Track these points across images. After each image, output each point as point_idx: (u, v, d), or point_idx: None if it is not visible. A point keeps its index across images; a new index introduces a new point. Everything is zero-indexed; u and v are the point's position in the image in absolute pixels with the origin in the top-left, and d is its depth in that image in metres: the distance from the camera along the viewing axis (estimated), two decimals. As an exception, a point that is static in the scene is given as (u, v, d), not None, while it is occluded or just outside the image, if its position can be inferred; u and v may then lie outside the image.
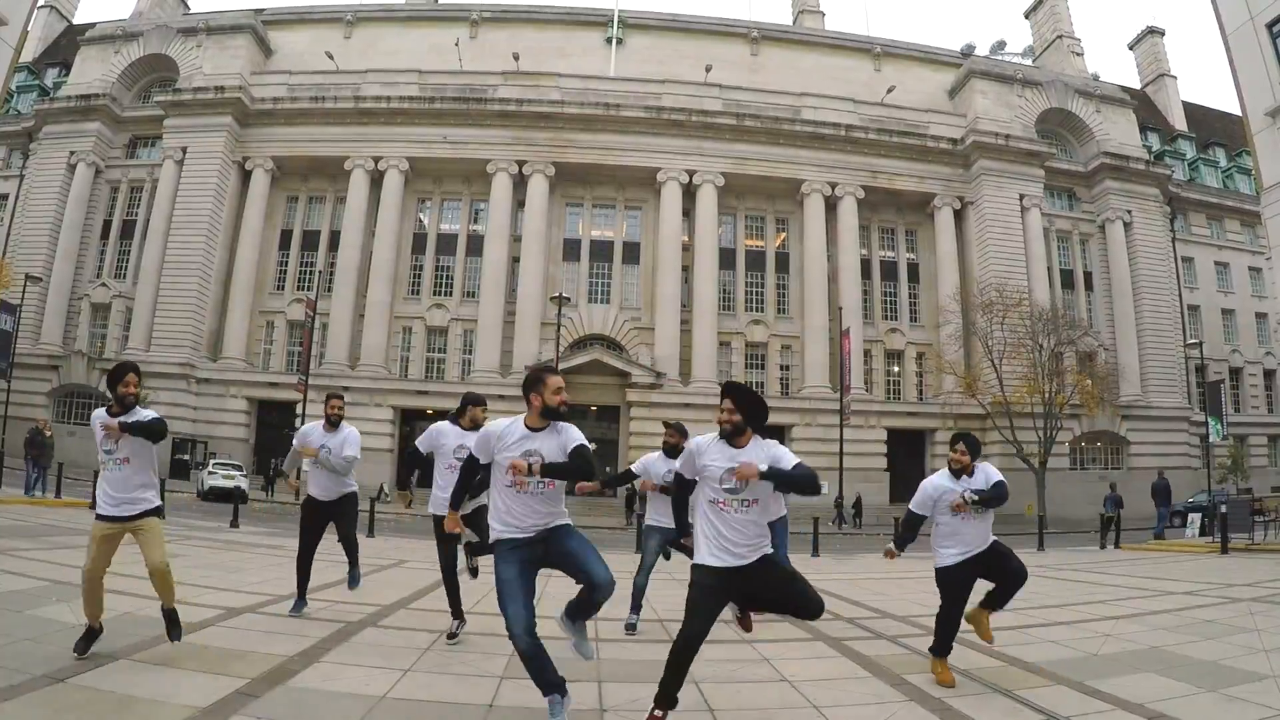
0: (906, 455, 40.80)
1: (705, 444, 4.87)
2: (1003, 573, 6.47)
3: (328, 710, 4.71)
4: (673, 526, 6.91)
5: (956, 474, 6.42)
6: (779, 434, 40.20)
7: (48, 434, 21.89)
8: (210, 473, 30.32)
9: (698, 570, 4.73)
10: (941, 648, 6.33)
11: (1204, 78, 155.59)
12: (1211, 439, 30.68)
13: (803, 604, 4.84)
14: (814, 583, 13.13)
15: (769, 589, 4.83)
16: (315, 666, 5.71)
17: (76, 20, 58.99)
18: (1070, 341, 39.05)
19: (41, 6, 55.70)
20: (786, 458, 4.75)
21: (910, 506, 6.56)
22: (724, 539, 4.67)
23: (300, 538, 7.92)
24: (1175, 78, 61.84)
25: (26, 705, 4.43)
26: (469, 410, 7.31)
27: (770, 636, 7.93)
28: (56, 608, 6.86)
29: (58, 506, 19.37)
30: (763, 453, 4.72)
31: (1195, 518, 26.73)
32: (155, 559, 5.55)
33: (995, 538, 6.50)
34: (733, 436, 4.78)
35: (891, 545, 6.86)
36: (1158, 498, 27.74)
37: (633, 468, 8.05)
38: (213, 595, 8.13)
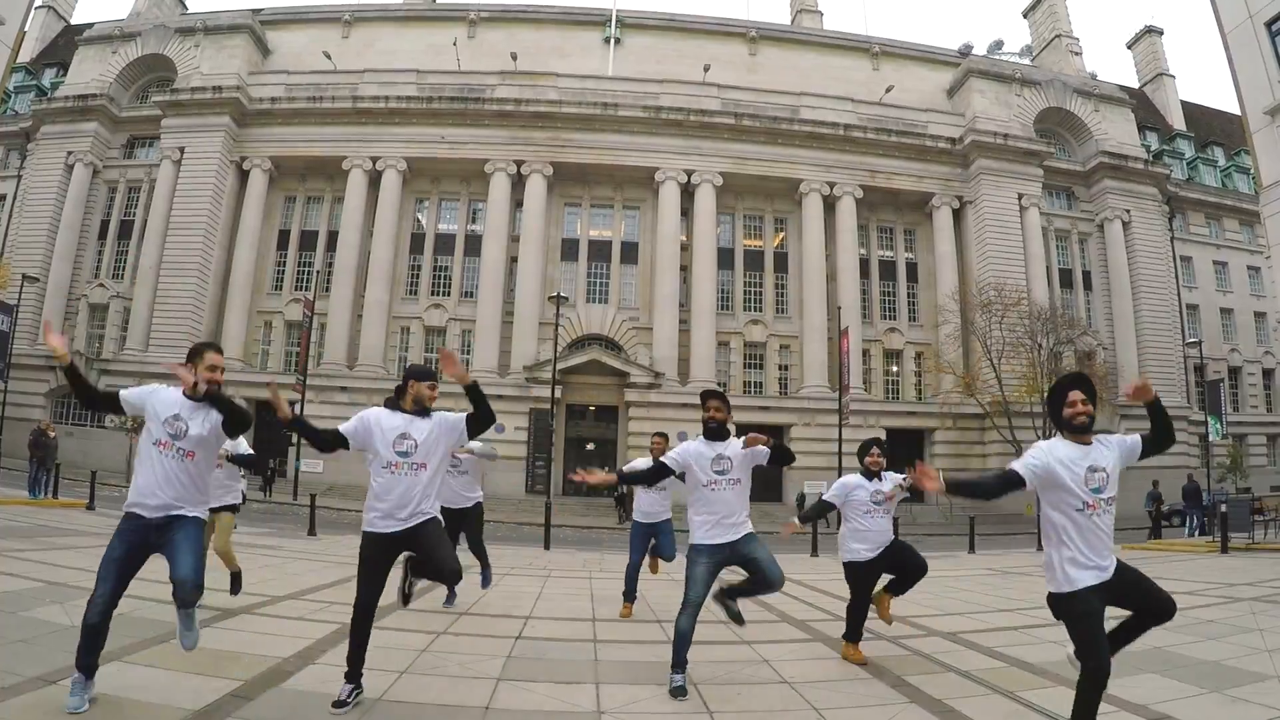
0: (905, 455, 39.65)
1: (1058, 447, 4.40)
2: (904, 566, 7.10)
3: (322, 713, 4.65)
4: (722, 543, 5.80)
5: (869, 476, 7.12)
6: (778, 433, 40.05)
7: (51, 434, 21.84)
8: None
9: (1081, 600, 4.28)
10: (853, 634, 6.97)
11: (1203, 77, 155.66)
12: (1211, 438, 30.56)
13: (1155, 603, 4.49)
14: (812, 582, 13.05)
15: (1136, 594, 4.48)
16: (310, 668, 5.65)
17: (74, 20, 58.61)
18: (1069, 340, 38.79)
19: (39, 6, 55.03)
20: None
21: (824, 496, 7.27)
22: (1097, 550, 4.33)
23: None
24: (1174, 77, 61.75)
25: (19, 708, 4.37)
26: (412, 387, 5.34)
27: (769, 638, 7.88)
28: (50, 609, 6.80)
29: (55, 507, 19.29)
30: (1115, 448, 4.51)
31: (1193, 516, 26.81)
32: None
33: (897, 536, 7.31)
34: (1089, 430, 4.45)
35: (795, 520, 7.57)
36: (1189, 500, 27.98)
37: (672, 459, 6.05)
38: (206, 596, 8.06)
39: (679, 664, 5.60)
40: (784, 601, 10.26)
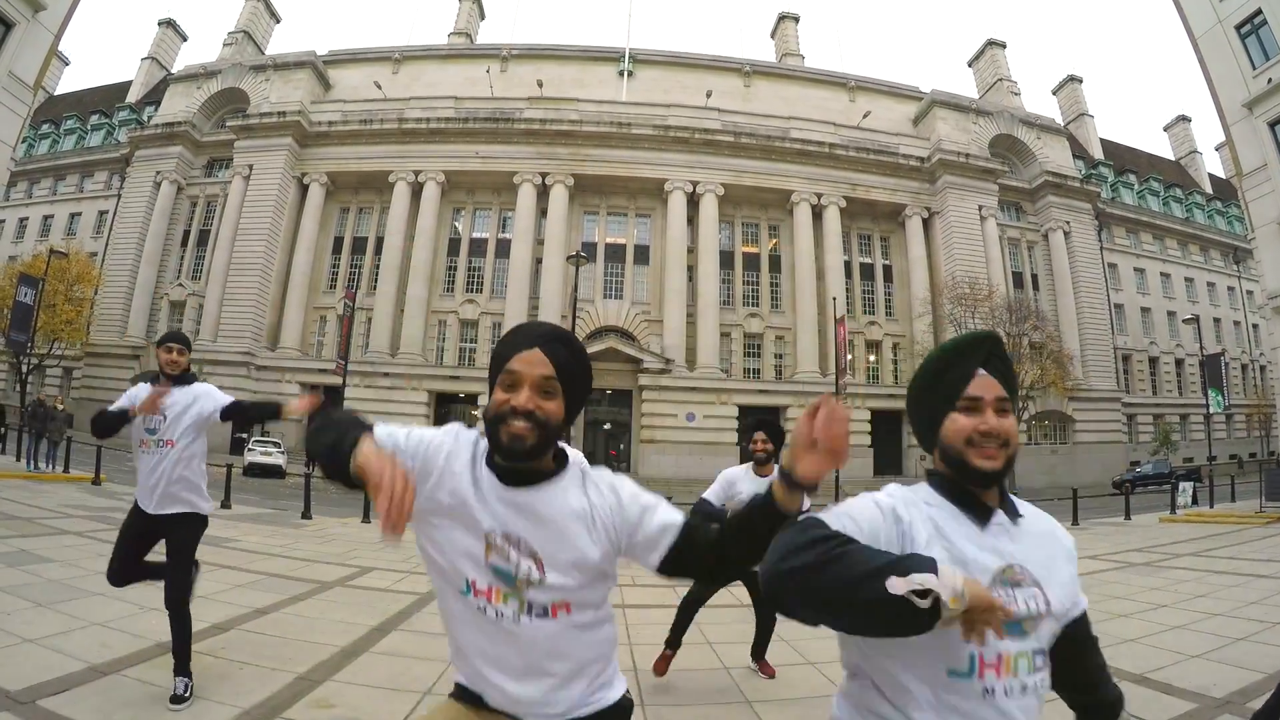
0: (886, 433, 35.66)
1: (739, 474, 4.25)
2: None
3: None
4: None
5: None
6: (775, 414, 34.97)
7: (59, 407, 16.54)
8: (250, 449, 25.24)
9: None
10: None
11: (1115, 117, 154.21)
12: (1212, 410, 25.19)
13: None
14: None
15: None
16: None
17: (174, 69, 54.00)
18: (1036, 328, 33.74)
19: (145, 58, 52.55)
20: None
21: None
22: None
23: None
24: (1093, 116, 56.72)
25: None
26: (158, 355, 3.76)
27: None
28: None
29: (59, 481, 14.11)
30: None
31: (1187, 486, 21.57)
32: None
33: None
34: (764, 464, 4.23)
35: None
36: None
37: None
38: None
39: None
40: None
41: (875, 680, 1.25)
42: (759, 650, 4.57)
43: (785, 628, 5.69)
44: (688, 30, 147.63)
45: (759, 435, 4.23)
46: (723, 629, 5.57)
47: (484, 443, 1.49)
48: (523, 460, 1.40)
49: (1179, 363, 47.22)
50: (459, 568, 1.44)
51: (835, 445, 1.25)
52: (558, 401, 1.42)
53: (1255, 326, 46.79)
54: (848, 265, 38.93)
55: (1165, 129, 64.13)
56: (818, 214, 38.34)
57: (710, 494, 4.27)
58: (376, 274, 36.86)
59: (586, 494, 1.45)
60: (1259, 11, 21.79)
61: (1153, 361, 46.17)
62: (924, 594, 0.97)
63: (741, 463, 4.48)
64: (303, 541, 9.54)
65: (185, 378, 3.69)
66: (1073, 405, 38.25)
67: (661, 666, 4.29)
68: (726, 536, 1.35)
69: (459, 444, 1.49)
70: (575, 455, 1.59)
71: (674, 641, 4.36)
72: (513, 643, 1.42)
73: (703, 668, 4.66)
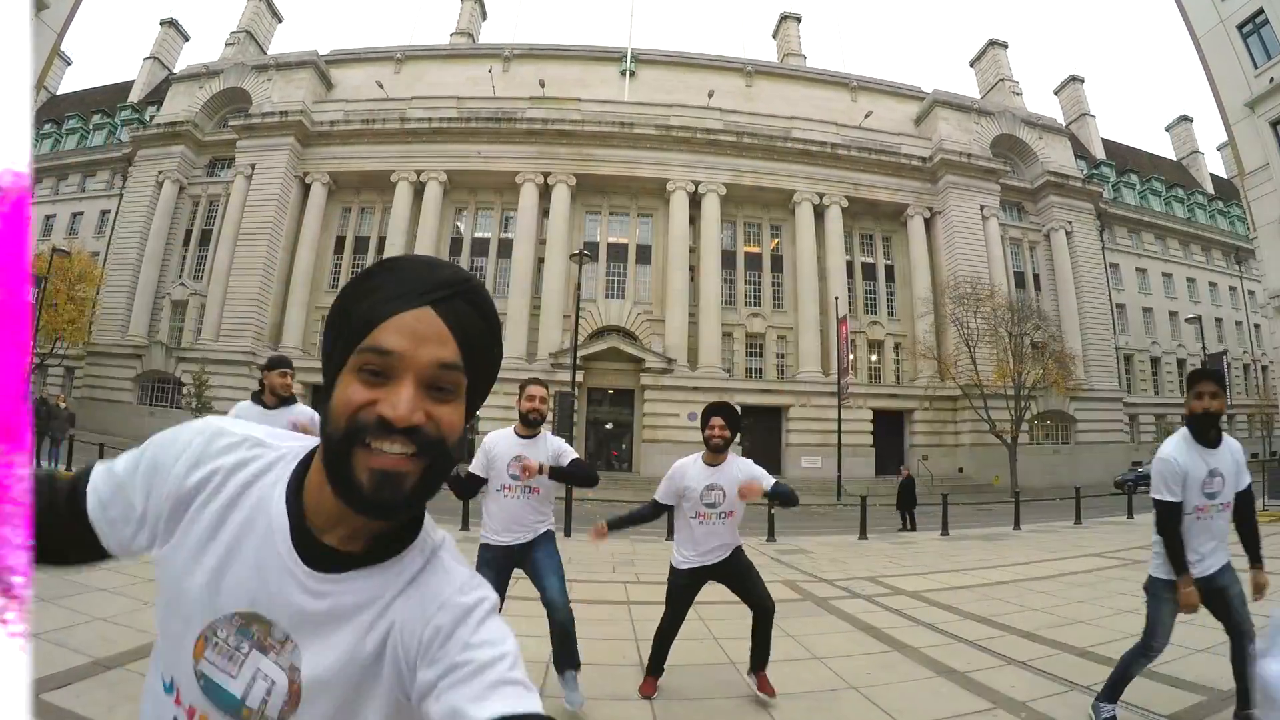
0: (888, 433, 35.55)
1: (687, 464, 4.00)
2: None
3: None
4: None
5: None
6: (777, 414, 35.09)
7: (62, 405, 16.58)
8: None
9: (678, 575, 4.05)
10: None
11: (1116, 117, 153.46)
12: None
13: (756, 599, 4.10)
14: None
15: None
16: None
17: (176, 70, 54.01)
18: (1038, 328, 33.68)
19: (147, 58, 52.51)
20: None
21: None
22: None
23: None
24: (1094, 117, 56.69)
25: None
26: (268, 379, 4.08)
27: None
28: None
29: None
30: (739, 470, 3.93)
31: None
32: None
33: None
34: (719, 452, 3.94)
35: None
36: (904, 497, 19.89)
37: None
38: None
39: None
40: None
41: None
42: (758, 662, 4.18)
43: (788, 623, 5.67)
44: (690, 30, 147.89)
45: (716, 420, 3.90)
46: (728, 624, 5.55)
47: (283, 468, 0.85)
48: (389, 515, 0.76)
49: (1181, 363, 47.07)
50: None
51: None
52: (457, 405, 0.79)
53: (1257, 326, 46.67)
54: (849, 265, 38.75)
55: (1167, 129, 64.10)
56: (820, 214, 38.19)
57: (660, 494, 4.07)
58: (378, 273, 36.78)
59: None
60: (1260, 11, 21.81)
61: (1154, 361, 46.13)
62: None
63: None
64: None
65: (291, 399, 3.97)
66: (1075, 405, 38.19)
67: (648, 689, 4.10)
68: None
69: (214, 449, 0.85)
70: (427, 521, 0.87)
71: (655, 669, 4.16)
72: None
73: (709, 663, 4.64)
